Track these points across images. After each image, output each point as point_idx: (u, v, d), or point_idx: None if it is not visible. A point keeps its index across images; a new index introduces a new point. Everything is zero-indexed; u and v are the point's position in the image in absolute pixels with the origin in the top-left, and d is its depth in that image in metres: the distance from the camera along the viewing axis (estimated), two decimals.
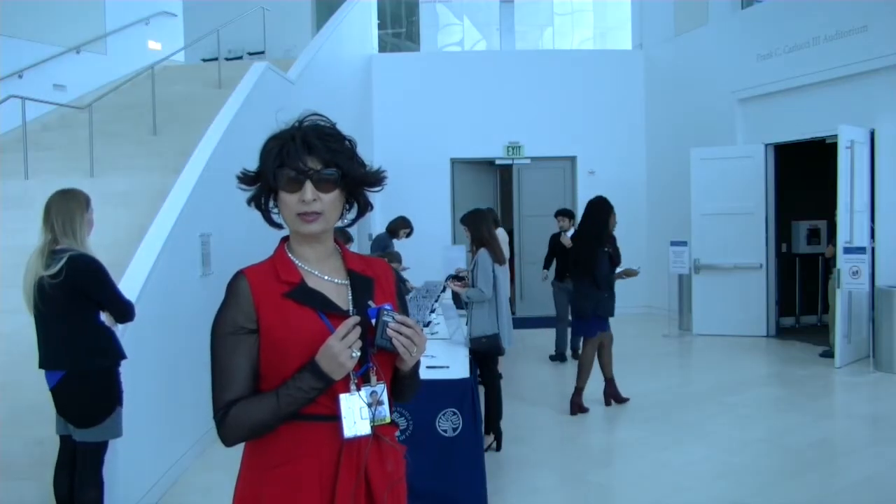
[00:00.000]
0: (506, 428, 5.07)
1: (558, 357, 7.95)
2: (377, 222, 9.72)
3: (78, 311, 3.24)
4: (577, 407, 5.87)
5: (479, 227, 5.11)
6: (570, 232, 7.81)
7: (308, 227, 1.54)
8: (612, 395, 6.10)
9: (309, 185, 1.51)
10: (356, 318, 1.49)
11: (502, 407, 5.08)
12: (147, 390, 4.11)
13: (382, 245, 7.88)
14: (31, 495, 3.77)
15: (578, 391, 5.91)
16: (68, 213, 3.26)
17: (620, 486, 4.38)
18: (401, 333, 1.50)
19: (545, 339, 8.55)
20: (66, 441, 3.37)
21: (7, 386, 4.18)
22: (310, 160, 1.51)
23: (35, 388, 3.79)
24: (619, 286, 11.45)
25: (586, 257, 5.83)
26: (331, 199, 1.54)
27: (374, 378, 1.55)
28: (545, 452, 5.03)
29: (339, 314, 1.55)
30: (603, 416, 5.87)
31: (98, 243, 3.42)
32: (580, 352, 7.59)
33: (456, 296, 5.66)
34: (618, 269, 6.07)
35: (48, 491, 3.45)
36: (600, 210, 5.94)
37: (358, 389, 1.53)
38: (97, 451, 3.28)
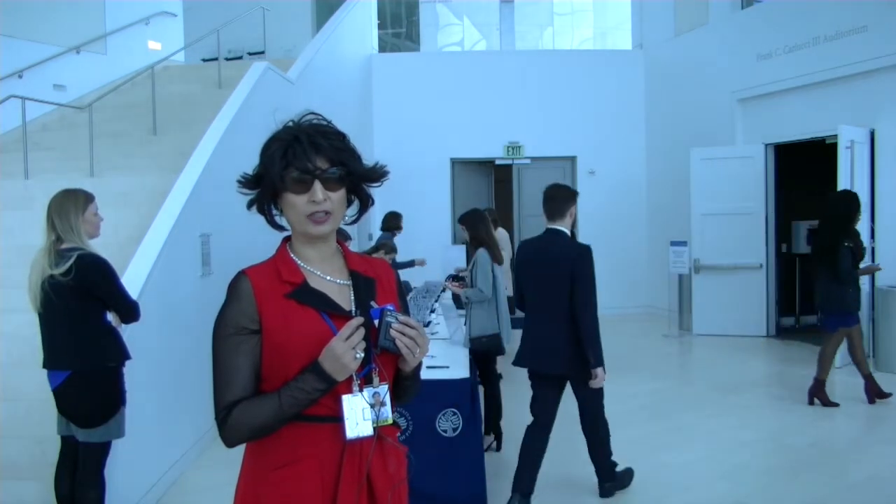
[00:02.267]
0: (506, 428, 5.06)
1: None
2: (377, 221, 9.70)
3: (85, 311, 3.24)
4: (821, 399, 5.88)
5: (476, 227, 5.12)
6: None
7: (319, 228, 1.54)
8: (875, 391, 5.95)
9: (318, 185, 1.51)
10: (360, 319, 1.49)
11: (502, 407, 5.08)
12: (147, 390, 4.11)
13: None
14: (32, 495, 3.77)
15: (821, 384, 5.89)
16: (64, 212, 3.27)
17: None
18: (404, 334, 1.50)
19: None
20: (67, 441, 3.37)
21: (7, 386, 4.18)
22: (317, 160, 1.51)
23: (35, 388, 3.80)
24: (620, 286, 11.48)
25: (829, 252, 5.73)
26: (339, 198, 1.55)
27: (376, 379, 1.54)
28: (545, 452, 5.01)
29: (341, 315, 1.55)
30: None
31: (98, 243, 3.43)
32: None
33: (456, 296, 5.66)
34: (861, 265, 5.92)
35: (49, 491, 3.45)
36: (846, 204, 5.85)
37: (360, 390, 1.53)
38: (100, 452, 3.28)
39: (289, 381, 1.49)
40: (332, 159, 1.52)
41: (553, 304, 3.85)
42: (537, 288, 3.95)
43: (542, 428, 4.02)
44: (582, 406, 4.12)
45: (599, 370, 3.84)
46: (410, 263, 8.18)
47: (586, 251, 3.88)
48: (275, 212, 1.60)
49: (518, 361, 4.06)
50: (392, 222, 8.06)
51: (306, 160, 1.50)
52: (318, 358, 1.47)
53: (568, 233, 3.97)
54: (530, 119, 11.28)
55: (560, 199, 3.98)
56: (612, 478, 4.17)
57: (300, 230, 1.57)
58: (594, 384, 3.87)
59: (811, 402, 5.93)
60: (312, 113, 1.59)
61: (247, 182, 1.58)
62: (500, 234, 8.07)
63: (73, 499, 3.31)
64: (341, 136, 1.57)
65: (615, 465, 4.20)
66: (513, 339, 5.33)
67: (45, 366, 3.29)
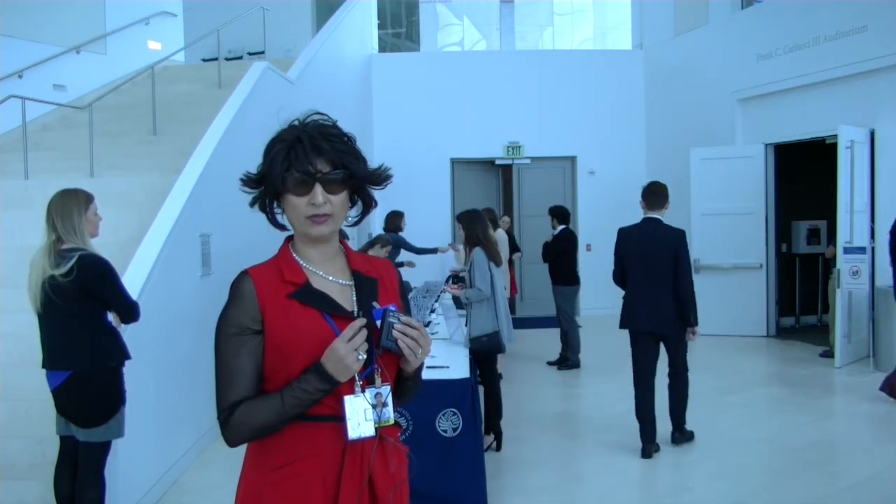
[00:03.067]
0: (506, 428, 5.07)
1: (572, 363, 7.62)
2: (377, 221, 9.73)
3: (86, 311, 3.23)
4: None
5: (473, 227, 5.11)
6: (559, 229, 7.79)
7: (318, 229, 1.54)
8: (894, 385, 5.86)
9: (319, 188, 1.51)
10: (363, 321, 1.49)
11: (502, 407, 5.08)
12: (147, 390, 4.11)
13: (397, 244, 8.08)
14: (31, 495, 3.77)
15: None
16: (67, 212, 3.26)
17: (620, 486, 4.38)
18: (406, 335, 1.50)
19: (545, 339, 8.54)
20: (66, 441, 3.37)
21: (7, 386, 4.18)
22: (318, 162, 1.51)
23: (35, 388, 3.79)
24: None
25: None
26: (340, 201, 1.55)
27: (378, 379, 1.55)
28: (545, 452, 5.02)
29: (343, 315, 1.55)
30: (603, 416, 5.87)
31: (98, 243, 3.42)
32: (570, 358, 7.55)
33: (456, 297, 5.66)
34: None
35: (48, 491, 3.45)
36: None
37: (362, 391, 1.53)
38: (100, 452, 3.28)
39: (291, 381, 1.49)
40: (334, 162, 1.52)
41: (657, 277, 4.77)
42: (642, 264, 4.82)
43: (646, 379, 4.91)
44: (672, 360, 5.00)
45: (697, 328, 4.91)
46: (433, 250, 8.14)
47: (684, 235, 4.85)
48: (277, 211, 1.60)
49: (624, 324, 4.95)
50: (395, 223, 8.16)
51: (307, 163, 1.50)
52: (320, 359, 1.47)
53: (664, 221, 4.89)
54: (530, 119, 11.28)
55: (662, 194, 4.92)
56: (681, 430, 5.01)
57: (300, 231, 1.57)
58: (691, 339, 4.97)
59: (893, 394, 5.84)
60: (318, 113, 1.59)
61: (249, 181, 1.58)
62: (500, 234, 8.09)
63: (72, 499, 3.31)
64: (345, 138, 1.57)
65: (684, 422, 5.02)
66: (514, 339, 5.34)
67: (44, 366, 3.28)
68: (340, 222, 1.58)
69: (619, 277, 5.04)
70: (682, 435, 5.00)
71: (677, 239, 4.80)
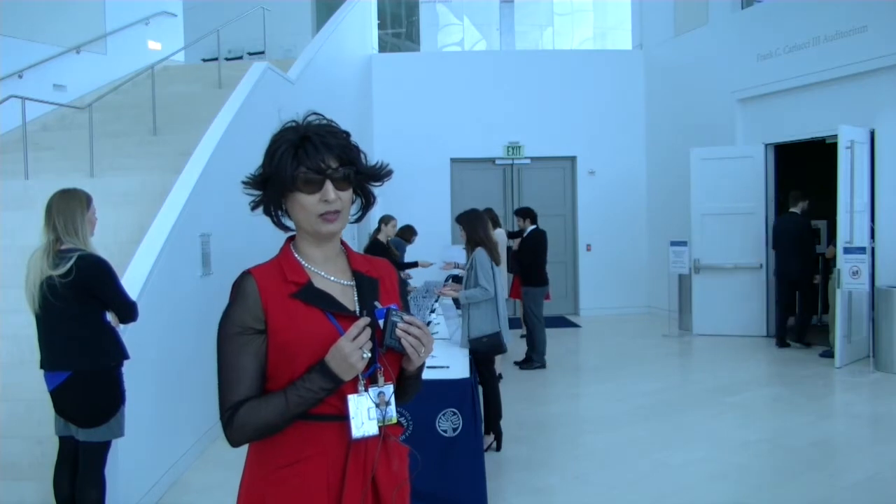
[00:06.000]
0: (506, 428, 5.07)
1: (536, 362, 7.59)
2: (376, 221, 9.74)
3: (84, 311, 3.23)
4: None
5: (475, 227, 5.10)
6: (529, 230, 7.78)
7: (330, 226, 1.54)
8: None
9: (330, 185, 1.51)
10: (367, 320, 1.49)
11: (502, 407, 5.07)
12: (147, 390, 4.11)
13: (398, 247, 8.35)
14: (31, 495, 3.77)
15: None
16: (69, 212, 3.25)
17: (620, 486, 4.38)
18: (409, 334, 1.50)
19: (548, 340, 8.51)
20: (65, 441, 3.36)
21: (7, 386, 4.17)
22: (329, 159, 1.51)
23: (35, 389, 3.79)
24: (620, 286, 11.44)
25: None
26: (348, 197, 1.56)
27: (381, 378, 1.55)
28: (545, 452, 5.02)
29: (346, 315, 1.55)
30: (603, 416, 5.87)
31: (98, 243, 3.42)
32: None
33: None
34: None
35: (48, 491, 3.45)
36: None
37: (366, 390, 1.53)
38: (100, 452, 3.28)
39: (295, 380, 1.49)
40: (341, 158, 1.53)
41: (793, 247, 8.11)
42: (786, 239, 8.17)
43: (785, 307, 8.37)
44: (801, 296, 8.27)
45: (817, 276, 8.39)
46: (414, 264, 8.33)
47: (807, 223, 8.34)
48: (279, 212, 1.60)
49: (773, 274, 8.56)
50: (405, 234, 8.61)
51: (319, 160, 1.50)
52: (324, 357, 1.47)
53: (799, 213, 8.20)
54: (530, 119, 11.28)
55: (799, 197, 8.26)
56: (802, 339, 8.21)
57: (310, 230, 1.56)
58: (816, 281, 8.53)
59: None
60: (315, 113, 1.59)
61: (253, 183, 1.58)
62: (499, 234, 8.10)
63: (73, 499, 3.31)
64: (347, 136, 1.58)
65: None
66: (510, 339, 5.33)
67: (43, 367, 3.28)
68: (347, 219, 1.59)
69: (774, 245, 8.42)
70: (801, 341, 8.13)
71: (804, 225, 8.20)
